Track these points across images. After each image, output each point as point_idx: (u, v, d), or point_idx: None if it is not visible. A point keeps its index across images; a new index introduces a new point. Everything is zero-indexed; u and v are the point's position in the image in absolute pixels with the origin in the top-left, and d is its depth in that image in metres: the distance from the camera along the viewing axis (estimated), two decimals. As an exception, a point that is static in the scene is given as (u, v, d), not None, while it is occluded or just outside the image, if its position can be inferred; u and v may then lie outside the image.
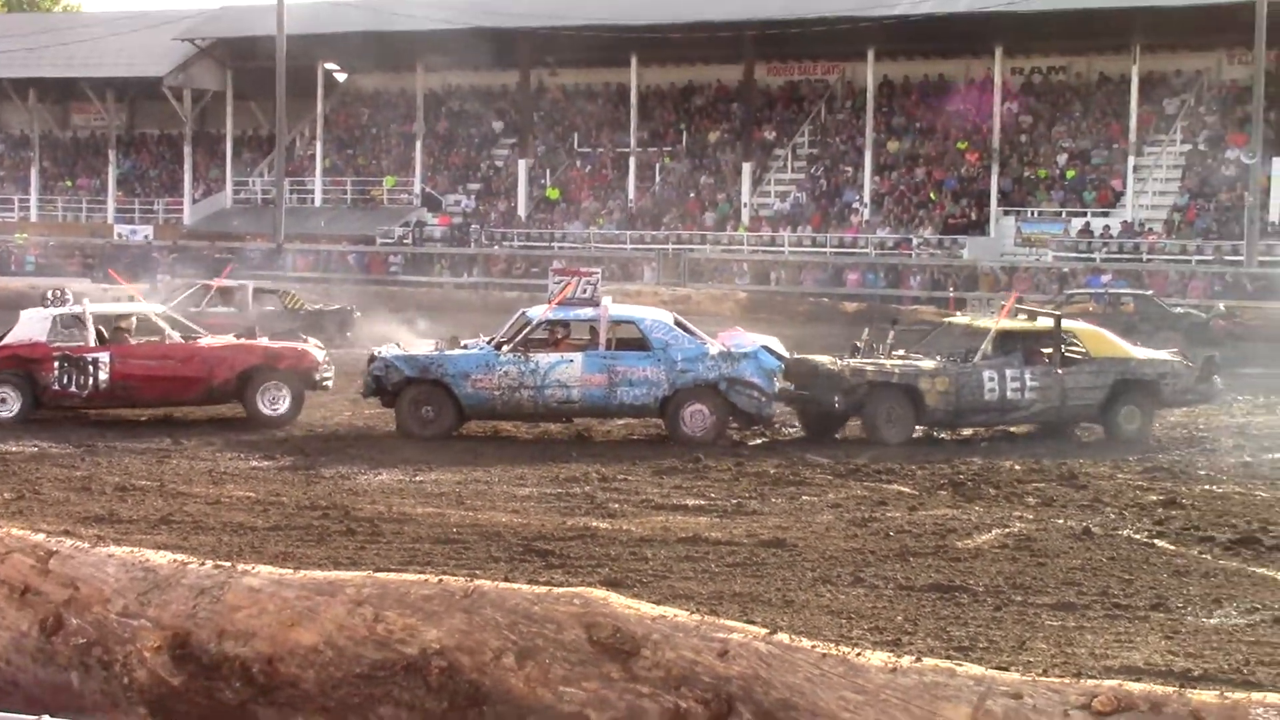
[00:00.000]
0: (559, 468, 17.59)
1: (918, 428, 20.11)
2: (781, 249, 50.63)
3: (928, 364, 20.31)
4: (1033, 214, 49.54)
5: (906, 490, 16.34)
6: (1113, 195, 49.20)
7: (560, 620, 5.88)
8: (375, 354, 20.45)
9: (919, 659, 5.54)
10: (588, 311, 20.32)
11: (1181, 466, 18.07)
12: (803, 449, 19.32)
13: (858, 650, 5.68)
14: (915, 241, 49.00)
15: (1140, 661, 9.45)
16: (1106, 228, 47.42)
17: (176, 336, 21.26)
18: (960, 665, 5.53)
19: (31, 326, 20.89)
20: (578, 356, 19.93)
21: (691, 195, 54.73)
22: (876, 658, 5.55)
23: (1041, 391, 20.03)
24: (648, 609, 5.94)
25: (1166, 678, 8.69)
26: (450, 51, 55.85)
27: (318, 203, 59.99)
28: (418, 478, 16.88)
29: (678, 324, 20.50)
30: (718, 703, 5.51)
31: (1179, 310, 33.61)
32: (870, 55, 52.34)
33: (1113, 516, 14.80)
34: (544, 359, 19.90)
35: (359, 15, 53.81)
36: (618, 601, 5.97)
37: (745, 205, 53.19)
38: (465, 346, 20.56)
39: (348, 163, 61.40)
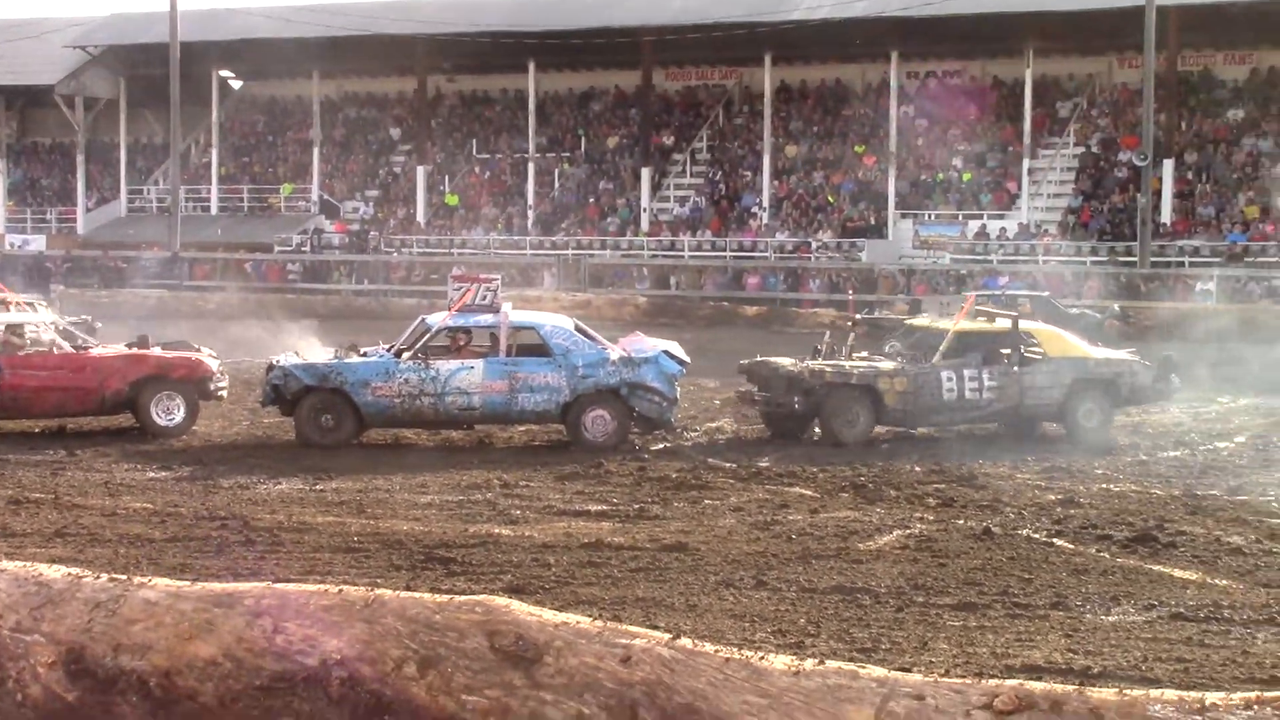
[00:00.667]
0: (460, 475, 17.52)
1: (873, 428, 20.30)
2: (681, 253, 50.75)
3: (886, 365, 20.64)
4: (930, 217, 49.98)
5: (808, 493, 16.39)
6: (1008, 198, 49.72)
7: (462, 629, 5.84)
8: (274, 362, 20.29)
9: (822, 661, 5.54)
10: (488, 318, 20.26)
11: (1079, 466, 18.25)
12: (704, 454, 19.35)
13: (761, 654, 5.67)
14: (814, 245, 49.27)
15: (1041, 660, 9.52)
16: (1003, 230, 47.91)
17: (67, 347, 20.93)
18: (863, 667, 5.54)
19: None
20: (478, 363, 19.87)
21: (591, 201, 54.78)
22: (780, 661, 5.55)
23: (1000, 391, 20.31)
24: (550, 616, 5.92)
25: (1067, 676, 8.77)
26: (345, 58, 55.64)
27: (214, 210, 59.53)
28: (318, 486, 16.75)
29: (578, 330, 20.48)
30: (621, 709, 5.50)
31: (1075, 311, 33.98)
32: (767, 60, 52.63)
33: (1012, 516, 14.92)
34: (444, 366, 19.82)
35: (253, 21, 53.43)
36: (520, 609, 5.94)
37: (645, 210, 53.28)
38: (365, 354, 20.46)
39: (244, 170, 60.97)
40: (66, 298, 46.12)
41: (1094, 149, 50.18)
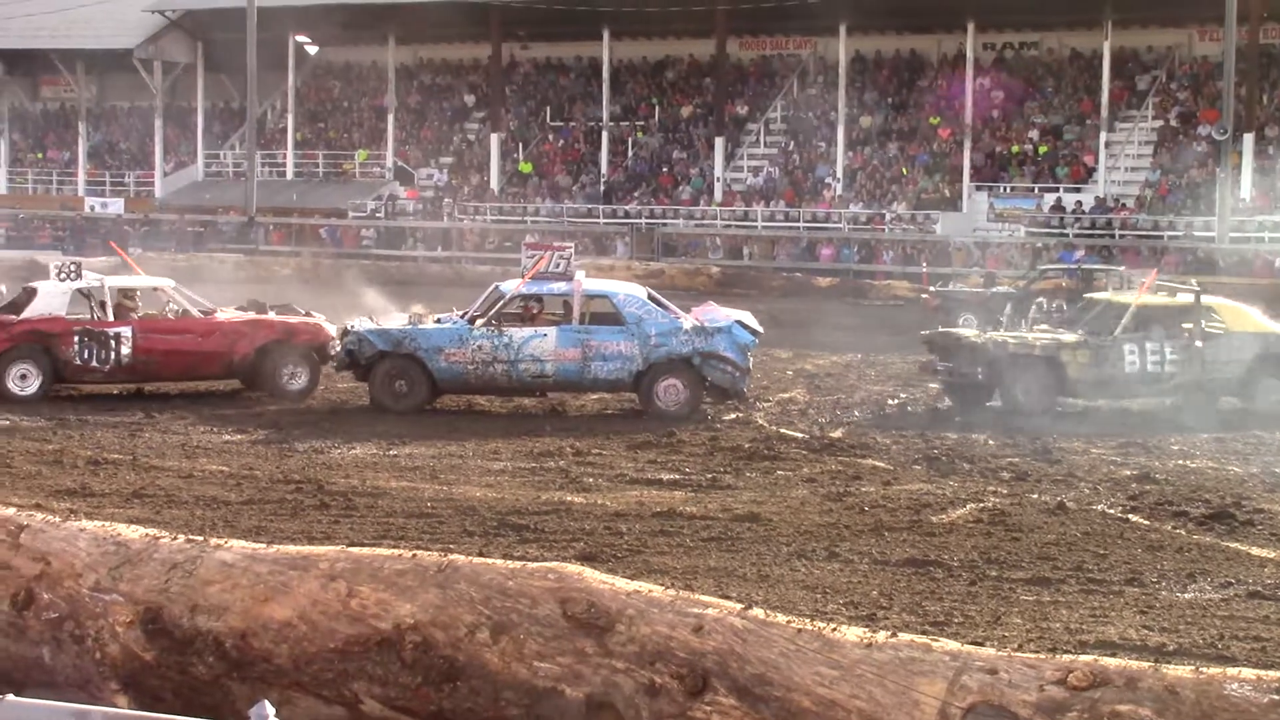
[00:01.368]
0: (533, 442, 17.56)
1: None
2: (754, 224, 50.61)
3: (1069, 337, 20.66)
4: (1005, 190, 49.61)
5: (881, 465, 16.34)
6: (1085, 171, 49.28)
7: (535, 595, 5.85)
8: (348, 328, 20.39)
9: (894, 634, 5.53)
10: (561, 286, 20.28)
11: (1155, 442, 18.10)
12: (776, 424, 19.31)
13: (833, 625, 5.66)
14: (888, 217, 49.03)
15: (1115, 636, 9.46)
16: (1079, 203, 47.49)
17: (195, 311, 21.18)
18: (936, 641, 5.52)
19: (50, 301, 20.54)
20: (551, 331, 19.90)
21: (664, 170, 54.67)
22: (852, 633, 5.53)
23: (1181, 365, 20.38)
24: (622, 584, 5.92)
25: (1141, 653, 8.70)
26: (421, 24, 55.66)
27: (289, 176, 59.80)
28: (392, 452, 16.83)
29: (651, 298, 20.47)
30: (693, 678, 5.49)
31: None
32: (843, 30, 52.32)
33: (1087, 491, 14.82)
34: (517, 333, 19.86)
35: (331, -13, 53.59)
36: (592, 576, 5.95)
37: (718, 180, 53.14)
38: (439, 320, 20.53)
39: (319, 136, 61.20)
40: (144, 261, 46.53)
41: (1173, 122, 49.64)
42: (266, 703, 3.47)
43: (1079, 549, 12.22)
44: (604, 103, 55.61)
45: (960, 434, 18.62)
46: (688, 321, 19.98)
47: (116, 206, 58.49)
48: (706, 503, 13.96)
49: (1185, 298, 21.27)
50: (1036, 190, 49.02)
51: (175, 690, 6.17)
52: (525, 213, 53.80)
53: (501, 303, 20.22)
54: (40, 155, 64.96)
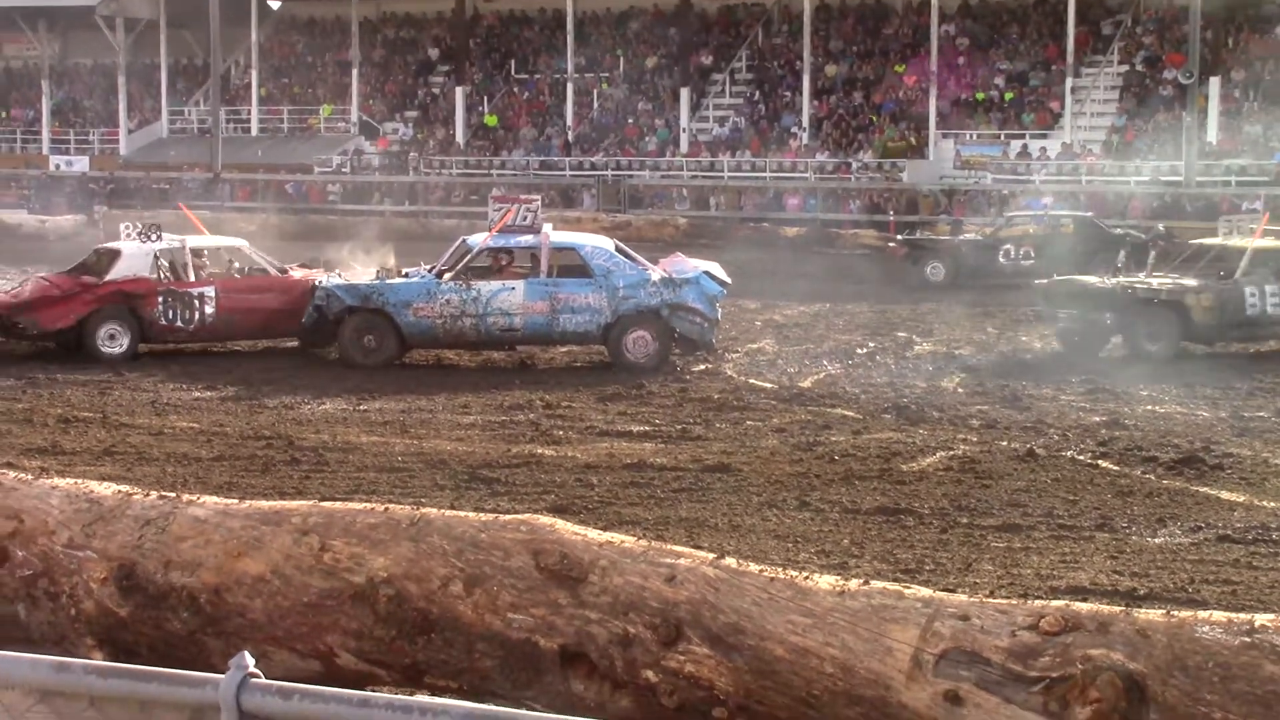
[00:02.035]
0: (503, 395, 17.57)
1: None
2: (721, 174, 50.50)
3: (1191, 282, 20.88)
4: (971, 137, 49.60)
5: (850, 414, 16.37)
6: (1051, 117, 49.27)
7: (507, 547, 5.85)
8: (317, 283, 20.35)
9: (866, 582, 5.54)
10: (529, 239, 20.26)
11: (1124, 388, 18.17)
12: (746, 375, 19.33)
13: (805, 574, 5.68)
14: (854, 165, 48.99)
15: (1086, 582, 9.52)
16: (1044, 150, 47.52)
17: (273, 270, 21.35)
18: (908, 588, 5.54)
19: (134, 262, 20.82)
20: (519, 284, 19.88)
21: (630, 121, 54.51)
22: (824, 581, 5.55)
23: None
24: (594, 535, 5.93)
25: (1112, 597, 8.77)
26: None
27: (254, 132, 59.46)
28: (361, 406, 16.82)
29: (619, 250, 20.46)
30: (666, 628, 5.50)
31: (1119, 231, 33.73)
32: (808, -23, 52.17)
33: (1056, 438, 14.87)
34: (486, 287, 19.84)
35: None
36: (565, 528, 5.95)
37: (684, 131, 53.01)
38: (406, 275, 20.50)
39: (283, 91, 60.85)
40: (110, 218, 46.29)
41: (1139, 67, 49.64)
42: (246, 653, 3.46)
43: (1049, 495, 12.28)
44: (569, 55, 55.37)
45: (929, 383, 18.66)
46: (655, 273, 19.98)
47: (81, 164, 58.11)
48: (677, 454, 13.98)
49: None
50: (1003, 137, 49.01)
51: (150, 645, 6.17)
52: (491, 166, 53.61)
53: (469, 257, 20.18)
54: (4, 114, 64.45)
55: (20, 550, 6.42)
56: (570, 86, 55.10)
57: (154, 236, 21.25)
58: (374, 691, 4.24)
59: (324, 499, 8.63)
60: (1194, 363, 20.03)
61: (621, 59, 56.68)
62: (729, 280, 20.61)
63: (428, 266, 20.71)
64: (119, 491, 6.65)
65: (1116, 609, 5.17)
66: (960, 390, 18.03)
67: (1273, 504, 12.03)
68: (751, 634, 5.41)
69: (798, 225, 43.68)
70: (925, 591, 5.51)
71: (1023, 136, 48.53)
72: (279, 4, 63.32)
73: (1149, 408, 16.81)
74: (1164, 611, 5.11)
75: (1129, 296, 20.52)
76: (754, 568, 5.67)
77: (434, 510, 6.27)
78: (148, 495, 6.58)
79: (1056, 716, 4.90)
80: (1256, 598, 9.20)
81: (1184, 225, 37.77)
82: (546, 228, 20.52)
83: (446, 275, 19.99)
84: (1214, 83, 46.28)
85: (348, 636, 5.91)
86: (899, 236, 36.50)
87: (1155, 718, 4.78)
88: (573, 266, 20.20)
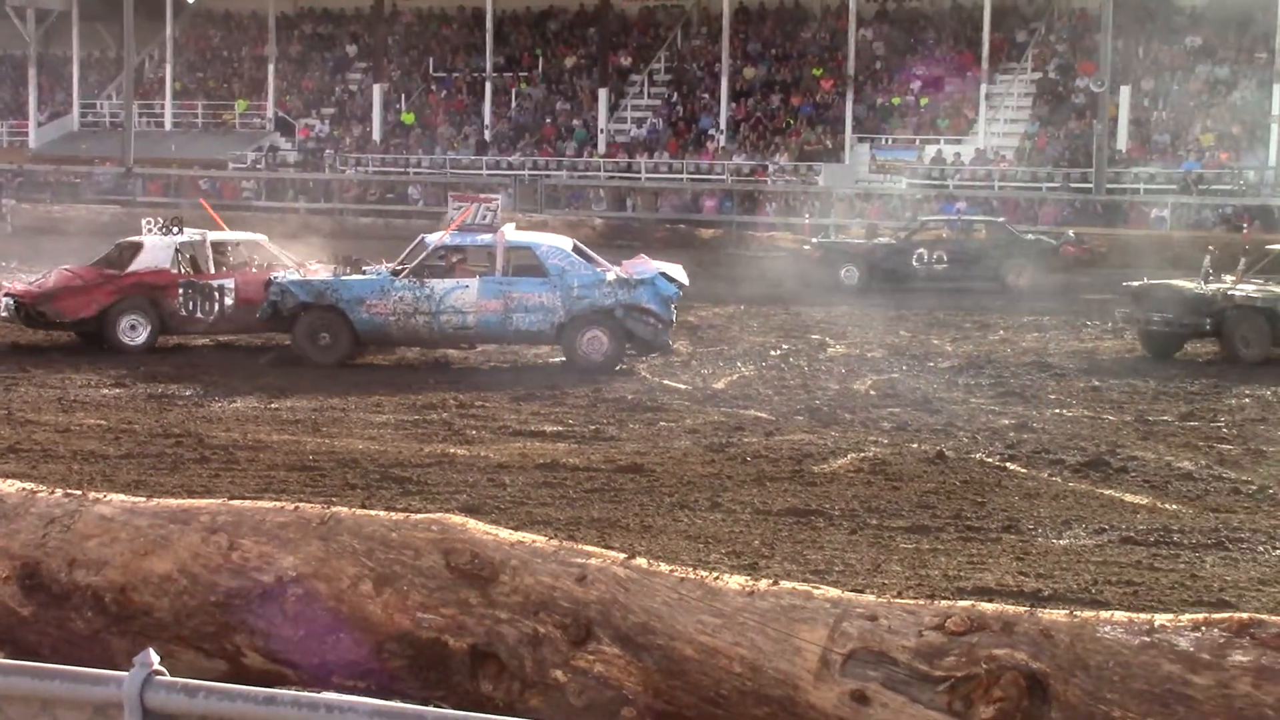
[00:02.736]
0: (416, 395, 17.52)
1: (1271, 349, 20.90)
2: (638, 175, 50.54)
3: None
4: (887, 141, 49.88)
5: (763, 416, 16.44)
6: (966, 123, 49.63)
7: (418, 547, 5.84)
8: (272, 279, 20.22)
9: (776, 582, 5.57)
10: (486, 237, 20.23)
11: (1033, 391, 18.34)
12: (660, 376, 19.37)
13: (715, 574, 5.70)
14: (771, 168, 49.16)
15: (993, 582, 9.61)
16: (959, 155, 47.86)
17: (290, 264, 21.33)
18: (817, 588, 5.58)
19: (156, 255, 21.08)
20: (473, 282, 19.86)
21: (548, 121, 54.47)
22: (734, 581, 5.57)
23: None
24: (506, 535, 5.93)
25: (1018, 598, 8.85)
26: (302, -27, 55.03)
27: (168, 126, 58.94)
28: (273, 405, 16.72)
29: (577, 250, 20.45)
30: (576, 627, 5.51)
31: (1030, 237, 34.06)
32: (727, -19, 52.31)
33: (965, 440, 15.00)
34: (439, 285, 19.80)
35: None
36: (476, 527, 5.95)
37: (602, 131, 53.02)
38: (365, 272, 20.48)
39: (198, 86, 60.36)
40: (18, 212, 45.77)
41: (1052, 75, 50.10)
42: (150, 650, 3.45)
43: (957, 497, 12.38)
44: (487, 53, 55.24)
45: (841, 385, 18.76)
46: (611, 274, 19.98)
47: (-11, 157, 57.44)
48: (589, 454, 13.99)
49: None
50: (918, 142, 49.33)
51: (54, 645, 6.11)
52: (408, 164, 53.41)
53: (425, 254, 20.15)
54: (-91, 104, 63.63)
55: (-79, 547, 6.34)
56: (489, 85, 54.98)
57: (175, 230, 21.61)
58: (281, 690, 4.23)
59: (233, 498, 8.59)
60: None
61: (540, 58, 56.62)
62: (686, 282, 20.65)
63: (389, 264, 20.64)
64: (23, 489, 6.58)
65: (1021, 609, 5.23)
66: (872, 393, 18.14)
67: (1175, 507, 12.19)
68: (661, 634, 5.43)
69: (714, 227, 43.80)
70: (834, 592, 5.54)
71: (937, 142, 48.86)
72: (194, -2, 62.87)
73: (1057, 411, 16.97)
74: (1067, 612, 5.17)
75: (1228, 302, 20.96)
76: (665, 568, 5.69)
77: (345, 509, 6.25)
78: (53, 493, 6.52)
79: (961, 716, 4.95)
80: (1157, 598, 9.32)
81: (1094, 231, 38.18)
82: (506, 227, 20.52)
83: (401, 272, 19.94)
84: (1124, 91, 46.78)
85: (255, 636, 5.88)
86: (814, 239, 36.65)
87: (1057, 716, 4.84)
88: (528, 266, 20.17)
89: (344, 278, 20.09)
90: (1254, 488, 12.98)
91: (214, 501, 6.46)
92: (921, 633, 5.13)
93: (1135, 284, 22.47)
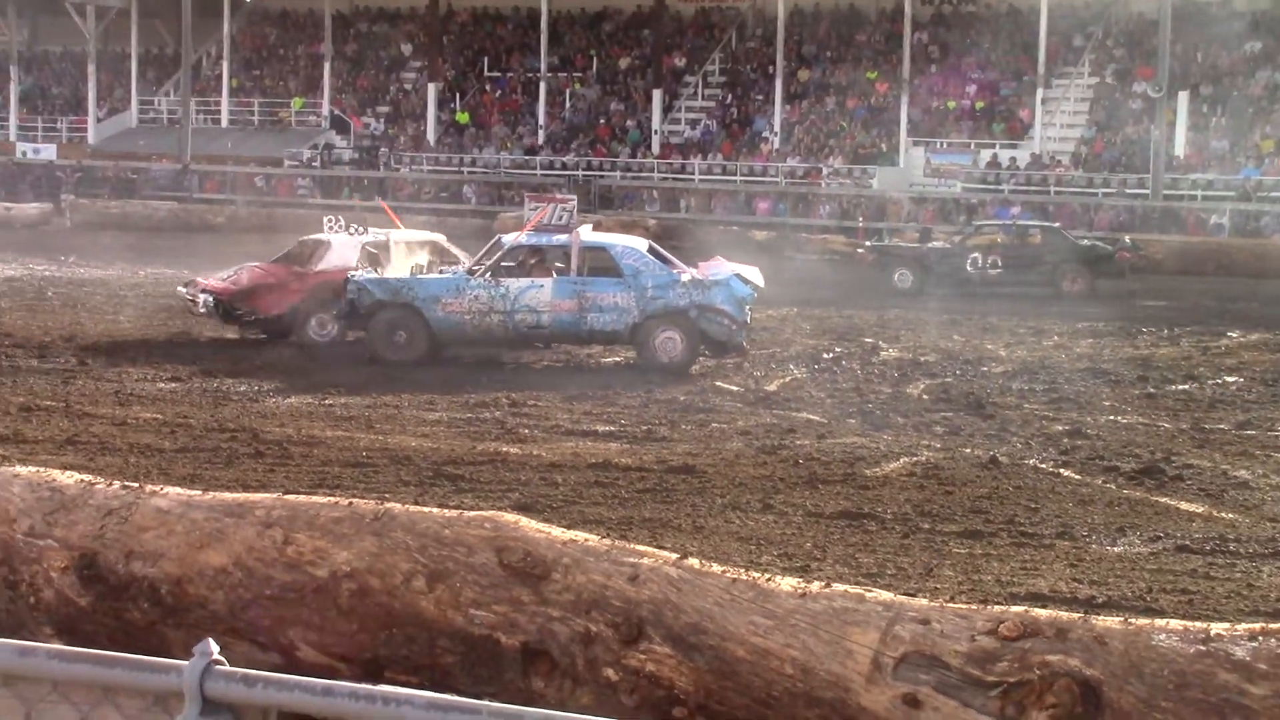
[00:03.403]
0: (469, 393, 17.56)
1: None
2: (692, 177, 50.57)
3: None
4: (942, 145, 49.74)
5: (815, 418, 16.41)
6: (1021, 127, 49.47)
7: (471, 544, 5.86)
8: (350, 277, 20.31)
9: (828, 585, 5.56)
10: (560, 238, 20.29)
11: (1087, 397, 18.25)
12: (712, 377, 19.36)
13: (767, 576, 5.69)
14: (825, 171, 49.09)
15: (1046, 589, 9.56)
16: (1014, 160, 47.69)
17: (468, 261, 21.49)
18: (869, 591, 5.56)
19: (344, 253, 21.49)
20: (548, 282, 19.92)
21: (602, 121, 54.53)
22: (786, 583, 5.56)
23: None
24: (558, 533, 5.94)
25: (1071, 605, 8.80)
26: (359, -29, 55.27)
27: (224, 124, 59.30)
28: (327, 401, 16.79)
29: (652, 251, 20.48)
30: (628, 626, 5.51)
31: (1085, 243, 33.91)
32: (782, -17, 52.27)
33: (1019, 446, 14.93)
34: (514, 284, 19.87)
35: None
36: (528, 525, 5.96)
37: (656, 132, 53.05)
38: (442, 271, 20.59)
39: (255, 84, 60.70)
40: (78, 207, 46.13)
41: (1109, 80, 49.88)
42: (210, 640, 3.47)
43: (1011, 503, 12.33)
44: (542, 53, 55.37)
45: (894, 388, 18.72)
46: (686, 275, 20.01)
47: (49, 152, 57.89)
48: (642, 454, 14.00)
49: None
50: (973, 146, 49.18)
51: (110, 636, 6.15)
52: (462, 163, 53.57)
53: (500, 254, 20.22)
54: (-30, 100, 64.19)
55: (-20, 538, 6.40)
56: (543, 85, 55.08)
57: (360, 230, 21.99)
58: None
59: (288, 492, 8.63)
60: None
61: (595, 59, 56.70)
62: (761, 284, 20.66)
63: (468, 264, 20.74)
64: (81, 481, 6.63)
65: (1075, 616, 5.20)
66: (925, 397, 18.09)
67: (1231, 515, 12.11)
68: (713, 634, 5.42)
69: (767, 229, 43.78)
70: (886, 595, 5.53)
71: (993, 146, 48.70)
72: (252, -4, 63.21)
73: (1111, 418, 16.88)
74: (1121, 619, 5.14)
75: None
76: (717, 569, 5.68)
77: (398, 505, 6.27)
78: (110, 485, 6.57)
79: (1013, 721, 4.93)
80: (1213, 607, 9.26)
81: (1150, 237, 37.99)
82: (584, 228, 20.59)
83: (477, 272, 20.02)
84: (1183, 97, 46.52)
85: (309, 630, 5.90)
86: (868, 243, 36.58)
87: (1110, 724, 4.81)
88: (603, 266, 20.21)
89: (420, 276, 20.20)
90: (1310, 497, 12.88)
91: (269, 496, 6.49)
92: (974, 637, 5.11)
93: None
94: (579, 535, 5.98)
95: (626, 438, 14.99)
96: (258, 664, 5.79)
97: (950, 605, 5.43)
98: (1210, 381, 19.90)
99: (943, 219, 42.52)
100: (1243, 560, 10.61)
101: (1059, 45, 50.61)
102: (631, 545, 5.97)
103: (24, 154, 57.81)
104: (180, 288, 21.54)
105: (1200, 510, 12.28)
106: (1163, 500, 12.61)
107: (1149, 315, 27.74)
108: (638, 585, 5.59)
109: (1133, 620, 5.10)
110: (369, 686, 3.44)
